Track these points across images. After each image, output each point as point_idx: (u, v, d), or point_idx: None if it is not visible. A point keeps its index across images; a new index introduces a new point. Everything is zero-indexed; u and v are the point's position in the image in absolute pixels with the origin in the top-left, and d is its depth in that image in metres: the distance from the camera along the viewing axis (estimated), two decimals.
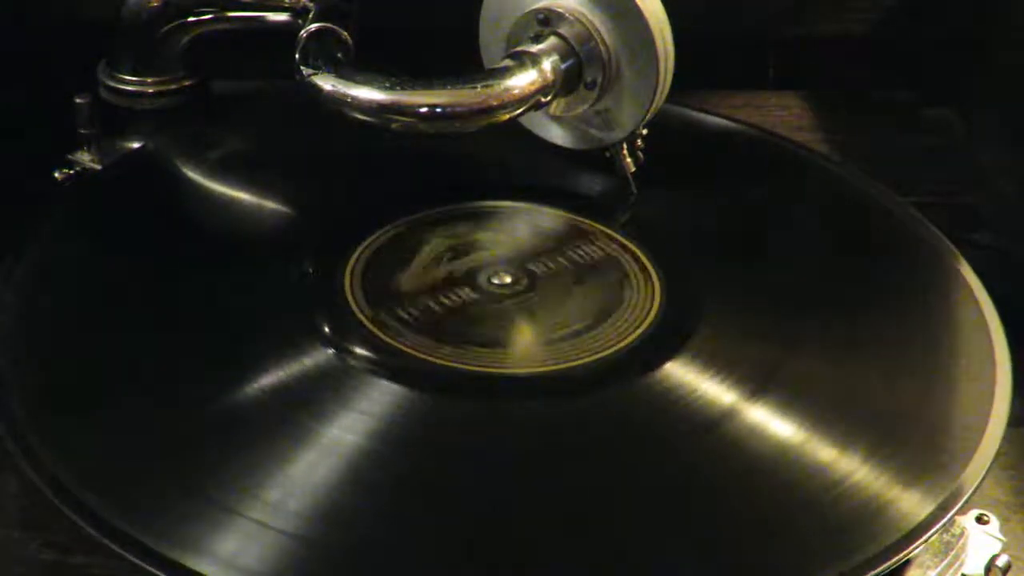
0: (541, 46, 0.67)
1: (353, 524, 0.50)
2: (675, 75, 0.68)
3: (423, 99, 0.62)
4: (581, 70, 0.68)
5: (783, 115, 0.93)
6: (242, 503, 0.50)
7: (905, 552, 0.49)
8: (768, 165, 0.77)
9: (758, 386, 0.56)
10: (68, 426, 0.54)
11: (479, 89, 0.63)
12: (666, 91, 0.68)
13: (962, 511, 0.52)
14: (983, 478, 0.53)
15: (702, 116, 0.80)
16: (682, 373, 0.57)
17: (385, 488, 0.51)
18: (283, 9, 0.74)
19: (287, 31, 0.69)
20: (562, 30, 0.67)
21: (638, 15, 0.66)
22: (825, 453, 0.54)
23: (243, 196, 0.71)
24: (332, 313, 0.60)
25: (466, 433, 0.55)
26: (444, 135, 0.64)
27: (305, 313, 0.60)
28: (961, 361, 0.61)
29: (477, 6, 0.71)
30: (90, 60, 0.79)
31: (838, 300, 0.64)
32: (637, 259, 0.66)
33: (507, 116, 0.64)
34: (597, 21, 0.67)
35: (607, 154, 0.71)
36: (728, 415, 0.55)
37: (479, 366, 0.58)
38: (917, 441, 0.55)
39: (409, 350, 0.58)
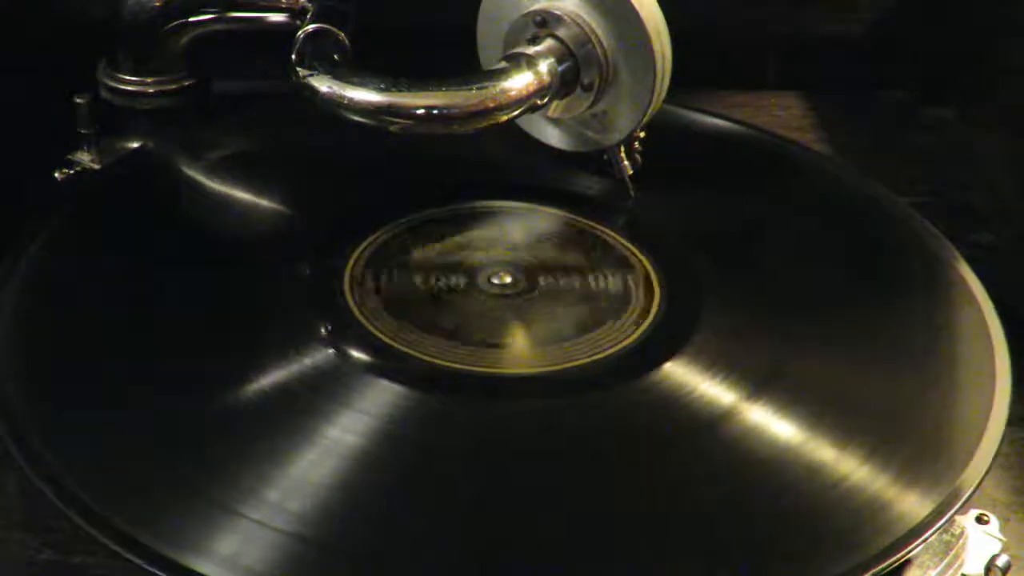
0: (538, 48, 0.67)
1: (353, 524, 0.50)
2: (674, 75, 0.68)
3: (419, 101, 0.62)
4: (578, 72, 0.67)
5: (783, 115, 0.93)
6: (242, 503, 0.50)
7: (905, 552, 0.50)
8: (768, 165, 0.77)
9: (758, 386, 0.57)
10: (68, 426, 0.54)
11: (475, 91, 0.63)
12: (663, 93, 0.68)
13: (962, 511, 0.52)
14: (983, 478, 0.53)
15: (702, 116, 0.80)
16: (682, 373, 0.57)
17: (385, 488, 0.51)
18: (282, 10, 0.74)
19: (287, 32, 0.69)
20: (559, 32, 0.67)
21: (635, 17, 0.66)
22: (825, 453, 0.54)
23: (243, 196, 0.71)
24: (332, 313, 0.60)
25: (466, 433, 0.55)
26: (441, 136, 0.64)
27: (305, 313, 0.60)
28: (961, 361, 0.61)
29: (476, 6, 0.71)
30: (90, 60, 0.79)
31: (838, 300, 0.64)
32: (637, 259, 0.66)
33: (504, 118, 0.64)
34: (594, 23, 0.67)
35: (605, 157, 0.71)
36: (728, 415, 0.55)
37: (479, 366, 0.58)
38: (917, 441, 0.55)
39: (409, 350, 0.58)
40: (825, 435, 0.54)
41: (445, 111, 0.62)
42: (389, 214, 0.68)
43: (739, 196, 0.72)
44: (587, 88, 0.68)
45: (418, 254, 0.65)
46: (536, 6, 0.68)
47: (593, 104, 0.69)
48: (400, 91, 0.62)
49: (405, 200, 0.69)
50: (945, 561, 0.52)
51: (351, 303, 0.61)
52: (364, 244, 0.65)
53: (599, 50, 0.67)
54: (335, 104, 0.62)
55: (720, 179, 0.74)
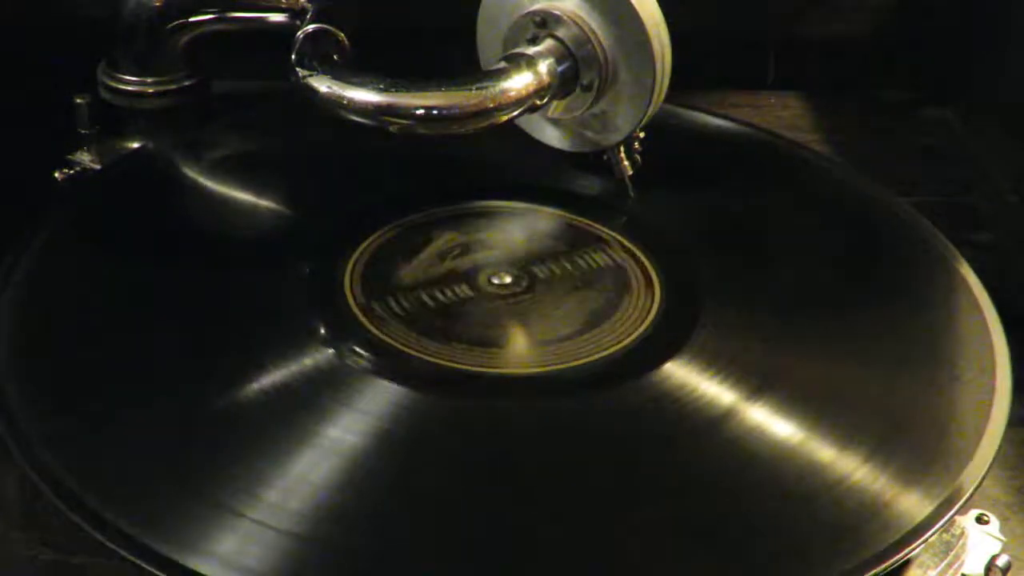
0: (538, 48, 0.67)
1: (353, 524, 0.50)
2: (674, 74, 0.68)
3: (419, 101, 0.62)
4: (578, 72, 0.67)
5: (783, 115, 0.93)
6: (242, 503, 0.50)
7: (905, 552, 0.50)
8: (768, 165, 0.77)
9: (758, 386, 0.57)
10: (68, 426, 0.54)
11: (475, 91, 0.63)
12: (663, 94, 0.68)
13: (962, 511, 0.52)
14: (983, 478, 0.53)
15: (702, 116, 0.80)
16: (682, 373, 0.57)
17: (384, 488, 0.51)
18: (282, 10, 0.74)
19: (287, 32, 0.69)
20: (559, 32, 0.67)
21: (635, 18, 0.66)
22: (825, 453, 0.54)
23: (243, 196, 0.71)
24: (332, 313, 0.60)
25: (465, 433, 0.55)
26: (441, 137, 0.64)
27: (305, 313, 0.60)
28: (961, 361, 0.61)
29: (476, 6, 0.71)
30: (90, 60, 0.79)
31: (838, 300, 0.64)
32: (637, 259, 0.66)
33: (503, 118, 0.64)
34: (594, 23, 0.67)
35: (604, 157, 0.71)
36: (728, 415, 0.55)
37: (479, 366, 0.58)
38: (917, 441, 0.55)
39: (409, 350, 0.58)
40: (825, 435, 0.54)
41: (445, 111, 0.62)
42: (389, 214, 0.68)
43: (739, 196, 0.72)
44: (587, 88, 0.68)
45: (418, 255, 0.65)
46: (536, 6, 0.68)
47: (593, 104, 0.69)
48: (400, 91, 0.62)
49: (405, 200, 0.69)
50: (945, 561, 0.52)
51: (351, 303, 0.61)
52: (364, 244, 0.65)
53: (599, 50, 0.67)
54: (335, 104, 0.62)
55: (720, 179, 0.74)
